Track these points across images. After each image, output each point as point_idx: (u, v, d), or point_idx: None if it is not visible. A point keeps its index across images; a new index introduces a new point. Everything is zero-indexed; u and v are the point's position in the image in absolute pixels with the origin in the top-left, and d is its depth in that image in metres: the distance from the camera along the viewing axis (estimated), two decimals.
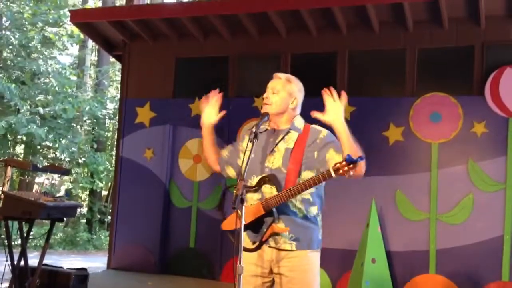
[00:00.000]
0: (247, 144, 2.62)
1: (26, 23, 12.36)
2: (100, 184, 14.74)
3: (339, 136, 2.63)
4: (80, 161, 13.58)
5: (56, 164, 12.36)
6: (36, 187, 16.02)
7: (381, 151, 6.29)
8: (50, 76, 12.37)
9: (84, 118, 13.98)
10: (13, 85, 10.99)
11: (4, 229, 4.03)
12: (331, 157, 2.65)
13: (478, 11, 5.97)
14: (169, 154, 7.31)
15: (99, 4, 16.72)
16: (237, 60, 7.21)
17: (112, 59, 13.36)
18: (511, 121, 5.97)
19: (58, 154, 12.91)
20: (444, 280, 5.99)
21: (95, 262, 9.59)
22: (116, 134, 8.91)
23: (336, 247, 6.05)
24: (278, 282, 2.71)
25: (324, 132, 2.78)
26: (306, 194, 2.67)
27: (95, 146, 14.35)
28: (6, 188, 4.07)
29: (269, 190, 2.68)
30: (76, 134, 13.12)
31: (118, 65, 13.19)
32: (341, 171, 2.41)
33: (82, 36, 13.16)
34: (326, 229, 2.85)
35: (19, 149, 15.16)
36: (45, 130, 11.24)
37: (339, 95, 2.63)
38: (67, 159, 13.31)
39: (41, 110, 11.61)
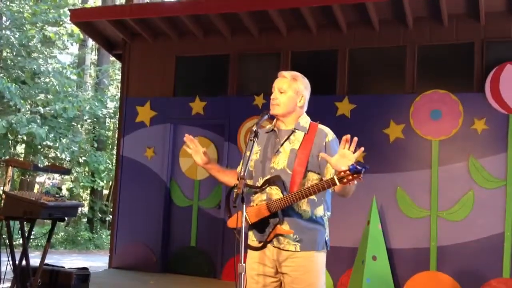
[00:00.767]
0: (248, 143, 2.62)
1: (26, 22, 12.35)
2: (101, 183, 14.75)
3: None
4: (81, 160, 13.58)
5: (57, 164, 12.37)
6: (36, 186, 16.05)
7: (381, 149, 6.29)
8: (50, 75, 12.36)
9: (85, 117, 13.97)
10: (13, 84, 10.98)
11: (6, 229, 4.03)
12: (329, 170, 2.62)
13: (478, 7, 5.97)
14: (170, 153, 7.32)
15: (99, 3, 16.73)
16: (238, 59, 7.21)
17: (112, 58, 13.37)
18: (511, 117, 5.97)
19: (58, 153, 12.90)
20: (445, 277, 6.00)
21: (96, 262, 9.60)
22: (117, 133, 8.92)
23: (337, 245, 6.03)
24: (283, 281, 2.71)
25: (330, 136, 2.75)
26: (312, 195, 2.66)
27: (96, 145, 14.36)
28: (7, 188, 4.08)
29: (274, 192, 2.67)
30: (76, 134, 13.12)
31: (118, 64, 13.19)
32: (345, 180, 2.40)
33: (81, 35, 13.16)
34: (328, 227, 2.84)
35: (20, 148, 15.16)
36: (46, 130, 11.23)
37: (353, 143, 2.50)
38: (68, 159, 13.31)
39: (41, 110, 11.61)
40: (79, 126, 14.55)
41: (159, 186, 7.32)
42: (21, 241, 4.40)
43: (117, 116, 11.08)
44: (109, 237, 10.26)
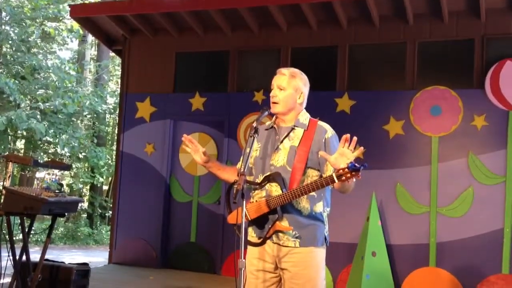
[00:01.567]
0: (248, 139, 2.62)
1: (26, 17, 12.32)
2: (101, 179, 14.76)
3: None
4: (81, 156, 13.58)
5: (57, 159, 12.37)
6: (36, 182, 16.05)
7: (381, 145, 6.30)
8: (50, 71, 12.35)
9: (85, 113, 13.96)
10: (12, 80, 10.96)
11: (6, 224, 4.04)
12: (329, 167, 2.65)
13: (478, 4, 5.96)
14: (170, 149, 7.32)
15: None
16: (238, 55, 7.21)
17: (112, 54, 13.34)
18: (511, 114, 5.97)
19: (58, 149, 12.90)
20: (444, 273, 6.01)
21: (96, 257, 9.62)
22: (117, 129, 8.92)
23: (336, 241, 6.06)
24: (283, 277, 2.73)
25: (330, 132, 2.77)
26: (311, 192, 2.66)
27: (96, 141, 14.36)
28: (7, 183, 4.08)
29: (273, 188, 2.69)
30: (76, 129, 13.11)
31: (118, 60, 13.19)
32: (343, 178, 2.42)
33: (81, 31, 13.14)
34: (327, 223, 2.85)
35: (20, 144, 15.16)
36: (45, 125, 11.23)
37: (353, 142, 2.51)
38: (68, 154, 13.32)
39: (41, 105, 11.60)
40: (79, 121, 14.55)
41: (159, 182, 7.33)
42: (21, 237, 4.40)
43: (117, 112, 11.08)
44: (109, 232, 10.27)
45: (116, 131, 12.11)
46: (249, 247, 2.78)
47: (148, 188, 7.34)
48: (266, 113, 2.75)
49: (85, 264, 5.15)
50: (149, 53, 7.64)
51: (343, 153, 2.47)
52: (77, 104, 12.08)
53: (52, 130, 11.84)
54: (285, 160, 2.72)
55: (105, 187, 16.92)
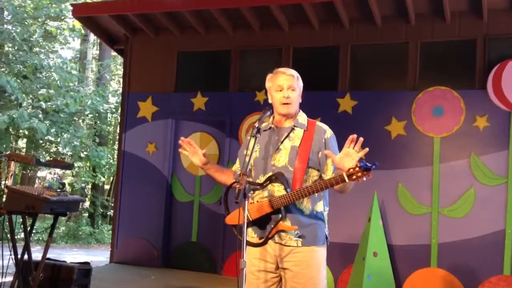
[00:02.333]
0: (250, 139, 2.63)
1: (28, 17, 12.34)
2: (102, 178, 14.77)
3: None
4: (82, 155, 13.60)
5: (59, 158, 12.38)
6: (37, 181, 16.07)
7: (383, 145, 6.29)
8: (52, 70, 12.36)
9: (86, 112, 13.98)
10: (14, 79, 10.98)
11: (8, 223, 4.04)
12: (328, 167, 2.69)
13: (481, 4, 5.95)
14: (171, 148, 7.32)
15: None
16: (239, 54, 7.21)
17: (114, 53, 13.35)
18: None
19: (60, 148, 12.92)
20: (445, 274, 6.01)
21: (97, 256, 9.63)
22: (118, 128, 8.92)
23: (338, 241, 6.06)
24: (284, 277, 2.73)
25: (328, 132, 2.79)
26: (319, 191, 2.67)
27: (97, 140, 14.37)
28: (9, 182, 4.08)
29: (276, 188, 2.69)
30: (78, 128, 13.12)
31: (120, 59, 13.18)
32: (354, 177, 2.45)
33: (83, 30, 13.15)
34: (328, 223, 2.86)
35: (21, 143, 15.18)
36: (47, 124, 11.24)
37: (359, 143, 2.52)
38: (69, 153, 13.33)
39: (43, 105, 11.61)
40: (80, 121, 14.56)
41: (160, 181, 7.33)
42: (22, 236, 4.41)
43: (119, 111, 11.08)
44: (110, 232, 10.30)
45: (117, 131, 12.11)
46: (249, 248, 2.77)
47: (150, 187, 7.35)
48: (268, 113, 2.76)
49: (87, 263, 5.15)
50: (151, 52, 7.65)
51: (348, 154, 2.51)
52: (79, 104, 12.10)
53: (53, 129, 11.86)
54: (286, 160, 2.72)
55: (107, 187, 16.93)
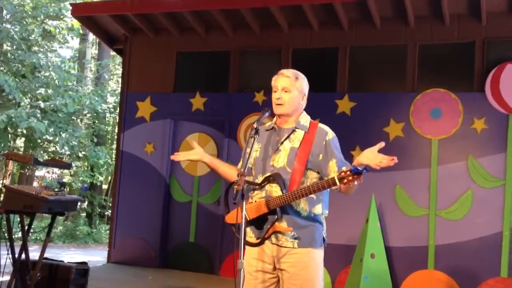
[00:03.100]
0: (248, 140, 2.63)
1: (27, 16, 12.32)
2: (100, 178, 14.76)
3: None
4: (80, 155, 13.59)
5: (57, 158, 12.37)
6: (35, 180, 16.05)
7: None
8: (50, 69, 12.34)
9: (84, 112, 13.97)
10: (12, 78, 10.97)
11: (6, 222, 4.04)
12: (332, 169, 2.68)
13: (479, 7, 5.97)
14: (170, 149, 7.32)
15: None
16: (239, 55, 7.21)
17: (113, 53, 13.34)
18: (511, 117, 5.98)
19: (58, 148, 12.90)
20: (442, 275, 6.01)
21: (95, 256, 9.62)
22: (117, 128, 8.92)
23: (335, 242, 6.06)
24: (281, 278, 2.73)
25: (330, 134, 2.78)
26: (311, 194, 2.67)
27: (95, 140, 14.36)
28: (7, 181, 4.09)
29: (273, 189, 2.69)
30: (76, 128, 13.11)
31: (119, 59, 13.18)
32: (345, 180, 2.44)
33: (81, 29, 13.15)
34: (326, 224, 2.86)
35: (20, 142, 15.16)
36: (46, 124, 11.23)
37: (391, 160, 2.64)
38: (67, 153, 13.31)
39: (41, 104, 11.60)
40: (78, 120, 14.55)
41: (158, 181, 7.33)
42: (20, 235, 4.40)
43: (117, 111, 11.08)
44: (108, 231, 10.27)
45: (116, 130, 12.11)
46: (247, 248, 2.78)
47: (148, 187, 7.34)
48: (267, 114, 2.76)
49: (84, 263, 5.15)
50: (150, 52, 7.65)
51: (373, 154, 2.58)
52: (77, 103, 12.09)
53: (52, 129, 11.84)
54: (285, 161, 2.73)
55: (105, 186, 16.92)
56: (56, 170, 15.42)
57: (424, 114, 6.26)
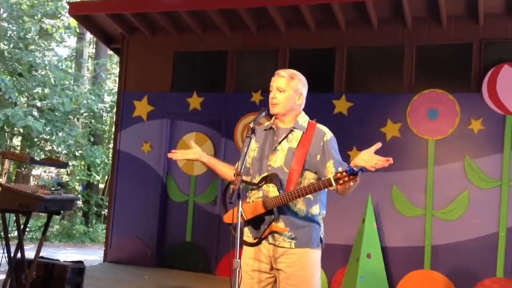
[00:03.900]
0: (245, 139, 2.63)
1: (24, 14, 12.29)
2: (97, 177, 14.72)
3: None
4: (77, 154, 13.55)
5: (53, 157, 12.34)
6: (32, 179, 16.02)
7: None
8: (47, 68, 12.31)
9: (81, 111, 13.94)
10: (8, 77, 10.93)
11: (1, 221, 4.03)
12: (329, 170, 2.66)
13: (477, 8, 5.98)
14: (167, 148, 7.31)
15: None
16: (236, 55, 7.21)
17: (110, 52, 13.31)
18: (507, 118, 5.99)
19: (55, 146, 12.86)
20: (439, 276, 6.02)
21: (91, 255, 9.59)
22: (114, 128, 8.91)
23: (331, 242, 6.06)
24: (278, 277, 2.73)
25: (328, 135, 2.77)
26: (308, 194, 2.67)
27: (92, 139, 14.33)
28: (3, 180, 4.08)
29: (270, 189, 2.69)
30: (73, 127, 13.08)
31: (116, 58, 13.16)
32: (341, 181, 2.44)
33: (78, 28, 13.11)
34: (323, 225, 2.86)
35: (16, 141, 15.12)
36: (43, 123, 11.20)
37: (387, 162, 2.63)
38: (64, 152, 13.28)
39: (38, 103, 11.57)
40: (75, 119, 14.52)
41: (155, 181, 7.32)
42: (16, 234, 4.39)
43: (114, 110, 11.05)
44: (104, 231, 10.26)
45: (112, 130, 12.08)
46: (245, 247, 2.78)
47: (145, 187, 7.34)
48: (264, 114, 2.75)
49: (80, 262, 5.14)
50: (147, 52, 7.64)
51: (370, 156, 2.55)
52: (74, 103, 12.06)
53: (49, 128, 11.81)
54: (282, 161, 2.72)
55: (101, 186, 16.88)
56: (53, 169, 15.39)
57: (421, 114, 6.27)
